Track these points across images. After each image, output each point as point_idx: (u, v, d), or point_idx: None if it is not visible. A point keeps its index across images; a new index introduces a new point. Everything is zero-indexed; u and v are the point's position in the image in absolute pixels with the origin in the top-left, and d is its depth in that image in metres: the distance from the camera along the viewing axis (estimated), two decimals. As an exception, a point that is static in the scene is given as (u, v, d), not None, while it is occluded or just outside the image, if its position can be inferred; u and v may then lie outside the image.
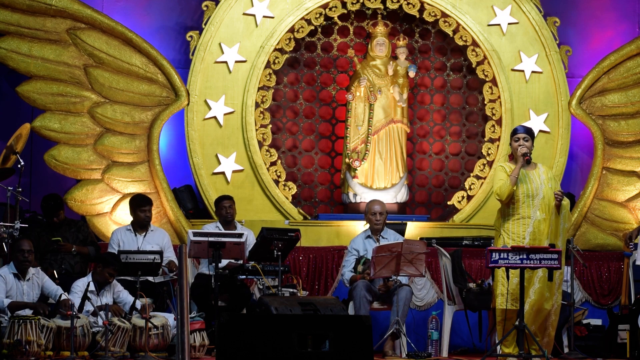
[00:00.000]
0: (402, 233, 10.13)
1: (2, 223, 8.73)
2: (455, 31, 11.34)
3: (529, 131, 8.38)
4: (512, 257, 7.82)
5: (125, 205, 10.56)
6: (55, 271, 9.19)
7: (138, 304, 8.52)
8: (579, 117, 11.25)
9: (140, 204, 9.63)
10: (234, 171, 11.00)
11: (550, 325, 8.27)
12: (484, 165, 11.35)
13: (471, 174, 11.40)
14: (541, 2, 11.31)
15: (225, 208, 9.79)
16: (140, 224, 9.64)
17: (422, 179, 11.74)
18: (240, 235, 8.86)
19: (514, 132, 8.38)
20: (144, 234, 9.61)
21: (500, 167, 8.37)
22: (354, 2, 11.26)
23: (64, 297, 8.44)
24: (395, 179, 11.24)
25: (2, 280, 8.50)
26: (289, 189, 11.16)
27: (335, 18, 11.36)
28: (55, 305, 8.53)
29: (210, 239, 8.68)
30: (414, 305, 9.92)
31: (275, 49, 11.11)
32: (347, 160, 11.15)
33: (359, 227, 10.26)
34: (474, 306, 9.15)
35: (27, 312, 8.33)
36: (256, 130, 11.06)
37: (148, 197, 9.86)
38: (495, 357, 8.18)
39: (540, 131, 11.20)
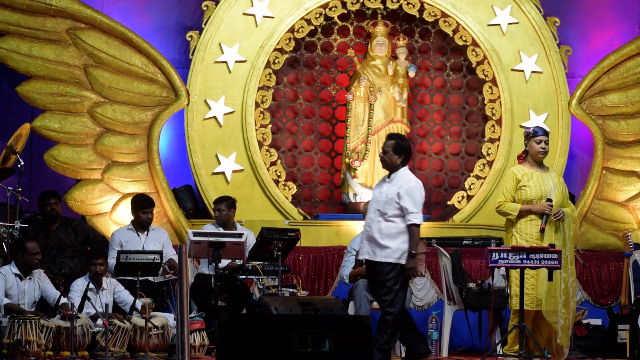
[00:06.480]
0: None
1: (2, 223, 8.73)
2: (455, 31, 11.34)
3: (546, 133, 8.33)
4: (512, 257, 7.80)
5: (125, 205, 10.56)
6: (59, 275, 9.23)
7: (138, 304, 8.52)
8: (579, 117, 11.25)
9: (142, 206, 9.62)
10: (234, 171, 11.00)
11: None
12: (484, 165, 11.34)
13: (471, 174, 11.40)
14: (541, 2, 11.31)
15: (217, 211, 9.74)
16: (141, 225, 9.64)
17: (422, 179, 11.61)
18: (240, 235, 8.85)
19: (534, 134, 8.24)
20: (146, 233, 9.62)
21: (512, 173, 8.28)
22: (354, 2, 11.26)
23: (63, 300, 8.43)
24: (395, 179, 11.22)
25: (3, 278, 8.50)
26: (289, 189, 11.15)
27: (335, 18, 11.35)
28: (55, 306, 8.52)
29: (210, 239, 8.67)
30: (414, 305, 9.92)
31: (275, 49, 11.10)
32: (347, 160, 11.15)
33: (359, 227, 10.24)
34: (474, 306, 9.16)
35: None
36: (256, 130, 11.06)
37: (151, 199, 9.84)
38: (495, 357, 8.18)
39: (540, 131, 11.21)
